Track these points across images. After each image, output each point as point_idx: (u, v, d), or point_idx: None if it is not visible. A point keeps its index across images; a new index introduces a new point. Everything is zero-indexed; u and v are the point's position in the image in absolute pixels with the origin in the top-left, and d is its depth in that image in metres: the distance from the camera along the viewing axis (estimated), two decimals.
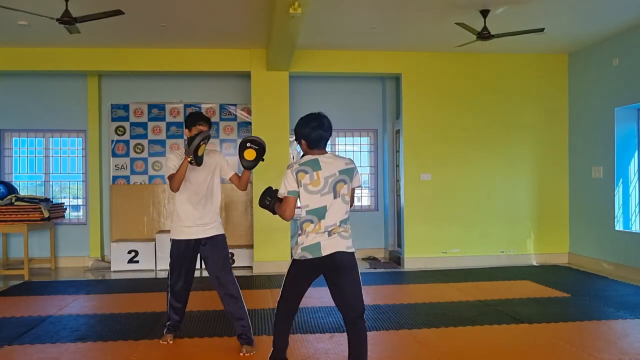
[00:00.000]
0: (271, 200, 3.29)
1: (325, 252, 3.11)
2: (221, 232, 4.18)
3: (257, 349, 4.16)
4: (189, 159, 3.83)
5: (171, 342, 4.31)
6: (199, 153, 3.83)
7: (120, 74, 8.33)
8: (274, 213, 3.30)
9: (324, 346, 4.23)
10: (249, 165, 3.90)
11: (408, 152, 8.10)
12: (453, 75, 8.20)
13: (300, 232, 3.19)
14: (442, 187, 8.15)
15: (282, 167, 8.07)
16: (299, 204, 3.20)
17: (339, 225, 3.15)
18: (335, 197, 3.13)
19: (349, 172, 3.20)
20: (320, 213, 3.12)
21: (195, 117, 4.09)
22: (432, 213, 8.10)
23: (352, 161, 3.28)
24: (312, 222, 3.13)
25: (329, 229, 3.12)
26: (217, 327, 4.77)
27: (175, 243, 4.14)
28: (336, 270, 3.16)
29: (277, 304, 3.33)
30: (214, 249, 4.09)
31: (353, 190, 3.30)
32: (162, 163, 8.52)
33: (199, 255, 4.19)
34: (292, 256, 3.26)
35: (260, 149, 3.86)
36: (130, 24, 6.54)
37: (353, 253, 3.21)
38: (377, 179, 9.19)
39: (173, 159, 4.05)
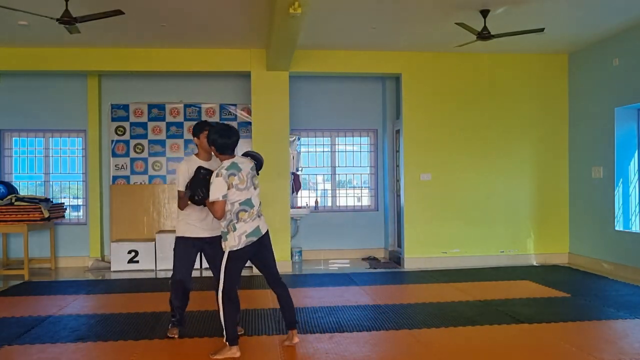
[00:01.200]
0: (203, 195, 3.98)
1: (263, 231, 4.00)
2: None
3: (256, 350, 4.16)
4: (189, 200, 4.23)
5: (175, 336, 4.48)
6: (197, 197, 4.14)
7: (120, 74, 8.33)
8: (204, 205, 4.07)
9: (324, 346, 4.23)
10: None
11: (408, 152, 8.10)
12: (453, 75, 8.20)
13: (235, 222, 3.87)
14: (442, 187, 8.15)
15: (282, 166, 8.17)
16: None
17: (259, 209, 4.05)
18: (254, 189, 4.01)
19: (254, 168, 4.08)
20: (249, 203, 3.94)
21: (202, 125, 4.37)
22: (432, 213, 8.10)
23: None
24: (245, 210, 3.90)
25: (258, 213, 4.00)
26: (217, 327, 4.76)
27: (181, 240, 4.42)
28: (265, 246, 4.05)
29: (223, 295, 3.91)
30: (219, 248, 4.20)
31: None
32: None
33: (200, 254, 4.50)
34: (228, 249, 3.90)
35: (258, 164, 4.22)
36: (130, 24, 6.54)
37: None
38: (377, 179, 9.19)
39: (181, 176, 4.34)
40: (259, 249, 4.01)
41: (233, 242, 3.87)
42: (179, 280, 4.39)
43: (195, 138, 4.41)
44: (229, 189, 3.83)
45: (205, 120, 4.74)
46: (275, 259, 4.19)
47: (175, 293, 4.44)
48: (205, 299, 5.63)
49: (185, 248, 4.39)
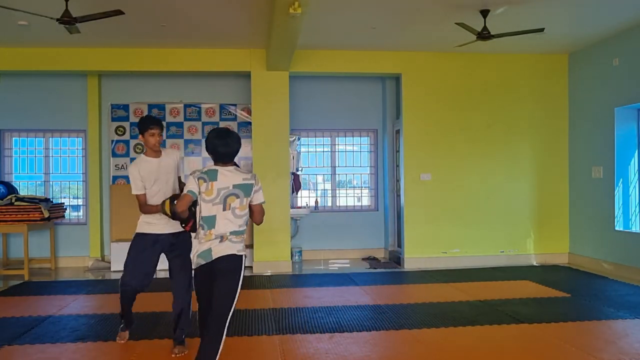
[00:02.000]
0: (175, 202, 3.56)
1: (215, 255, 3.30)
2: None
3: (256, 350, 4.16)
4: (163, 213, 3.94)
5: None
6: (169, 213, 3.83)
7: (120, 74, 8.33)
8: (180, 219, 3.56)
9: (324, 346, 4.23)
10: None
11: (408, 152, 8.10)
12: (453, 75, 8.20)
13: (195, 237, 3.39)
14: (442, 187, 8.15)
15: (282, 166, 8.15)
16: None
17: (229, 234, 3.33)
18: (224, 209, 3.32)
19: (245, 188, 3.37)
20: (210, 221, 3.31)
21: (146, 123, 4.12)
22: (432, 213, 8.10)
23: (254, 177, 3.45)
24: (203, 228, 3.32)
25: (220, 236, 3.31)
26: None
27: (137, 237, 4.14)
28: (219, 272, 3.30)
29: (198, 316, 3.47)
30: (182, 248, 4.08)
31: (259, 206, 3.48)
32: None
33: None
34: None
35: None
36: (130, 24, 6.54)
37: (241, 256, 3.36)
38: (377, 179, 9.19)
39: (133, 181, 4.09)
40: (209, 277, 3.34)
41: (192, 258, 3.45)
42: (127, 282, 4.07)
43: (140, 136, 4.15)
44: (199, 192, 3.32)
45: (150, 115, 4.42)
46: (228, 302, 3.27)
47: (123, 295, 4.15)
48: None
49: (143, 246, 4.05)
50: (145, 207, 4.06)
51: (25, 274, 7.40)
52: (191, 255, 3.42)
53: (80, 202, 8.77)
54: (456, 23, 6.16)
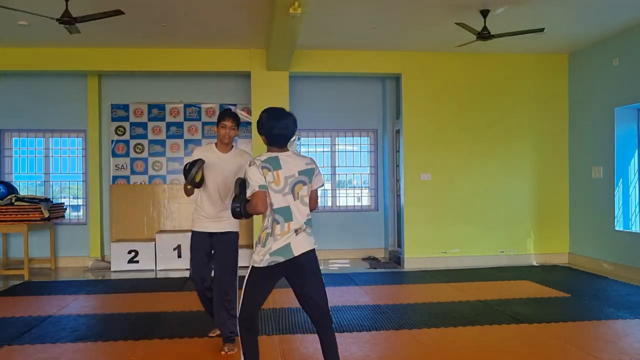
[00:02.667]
0: (240, 205, 3.11)
1: (297, 252, 3.00)
2: (235, 229, 4.26)
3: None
4: (188, 186, 4.05)
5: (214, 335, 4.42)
6: (197, 179, 3.97)
7: (120, 74, 8.33)
8: (247, 217, 3.16)
9: None
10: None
11: (408, 152, 8.10)
12: (453, 75, 8.19)
13: (268, 233, 3.02)
14: (442, 187, 8.15)
15: None
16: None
17: (304, 226, 3.06)
18: (294, 199, 3.03)
19: (309, 173, 3.10)
20: (285, 213, 3.00)
21: (221, 115, 4.18)
22: (432, 213, 8.10)
23: (313, 161, 3.19)
24: (278, 222, 3.00)
25: (296, 230, 3.02)
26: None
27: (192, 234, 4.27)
28: (301, 271, 3.05)
29: (240, 323, 3.11)
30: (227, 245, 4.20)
31: (315, 191, 3.20)
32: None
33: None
34: (251, 262, 3.09)
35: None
36: (130, 24, 6.54)
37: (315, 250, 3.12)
38: (377, 179, 9.19)
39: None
40: (291, 274, 3.07)
41: (256, 257, 3.05)
42: (192, 279, 4.28)
43: (215, 127, 4.26)
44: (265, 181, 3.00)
45: (228, 109, 4.44)
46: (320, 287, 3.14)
47: (198, 295, 4.30)
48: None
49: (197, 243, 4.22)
50: (185, 188, 4.13)
51: (25, 274, 7.40)
52: (261, 251, 3.01)
53: (80, 202, 8.77)
54: (456, 23, 6.16)
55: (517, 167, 8.32)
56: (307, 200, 3.09)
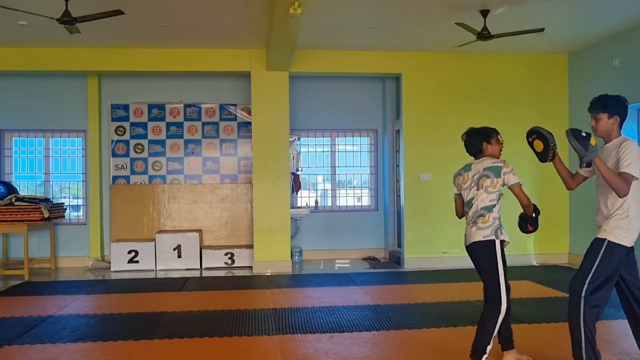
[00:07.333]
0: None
1: (467, 241, 4.36)
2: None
3: (256, 350, 4.16)
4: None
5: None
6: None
7: (120, 74, 8.33)
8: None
9: (324, 346, 4.23)
10: (541, 158, 4.02)
11: (408, 152, 8.10)
12: (453, 75, 8.19)
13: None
14: (442, 187, 8.12)
15: (282, 167, 8.15)
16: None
17: (475, 217, 4.09)
18: (478, 189, 4.06)
19: (494, 169, 4.04)
20: (468, 204, 4.22)
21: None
22: (432, 213, 8.09)
23: (504, 162, 4.03)
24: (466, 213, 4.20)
25: (471, 221, 4.31)
26: (218, 327, 4.76)
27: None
28: (473, 258, 4.33)
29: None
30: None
31: (515, 187, 4.14)
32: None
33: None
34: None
35: (543, 138, 3.98)
36: (130, 24, 6.54)
37: (487, 242, 3.99)
38: (377, 179, 9.19)
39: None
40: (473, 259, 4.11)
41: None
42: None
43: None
44: None
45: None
46: (487, 271, 4.04)
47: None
48: (205, 299, 5.63)
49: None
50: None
51: (25, 274, 7.39)
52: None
53: (80, 202, 8.77)
54: (456, 23, 6.16)
55: (517, 167, 8.12)
56: (493, 189, 4.13)
